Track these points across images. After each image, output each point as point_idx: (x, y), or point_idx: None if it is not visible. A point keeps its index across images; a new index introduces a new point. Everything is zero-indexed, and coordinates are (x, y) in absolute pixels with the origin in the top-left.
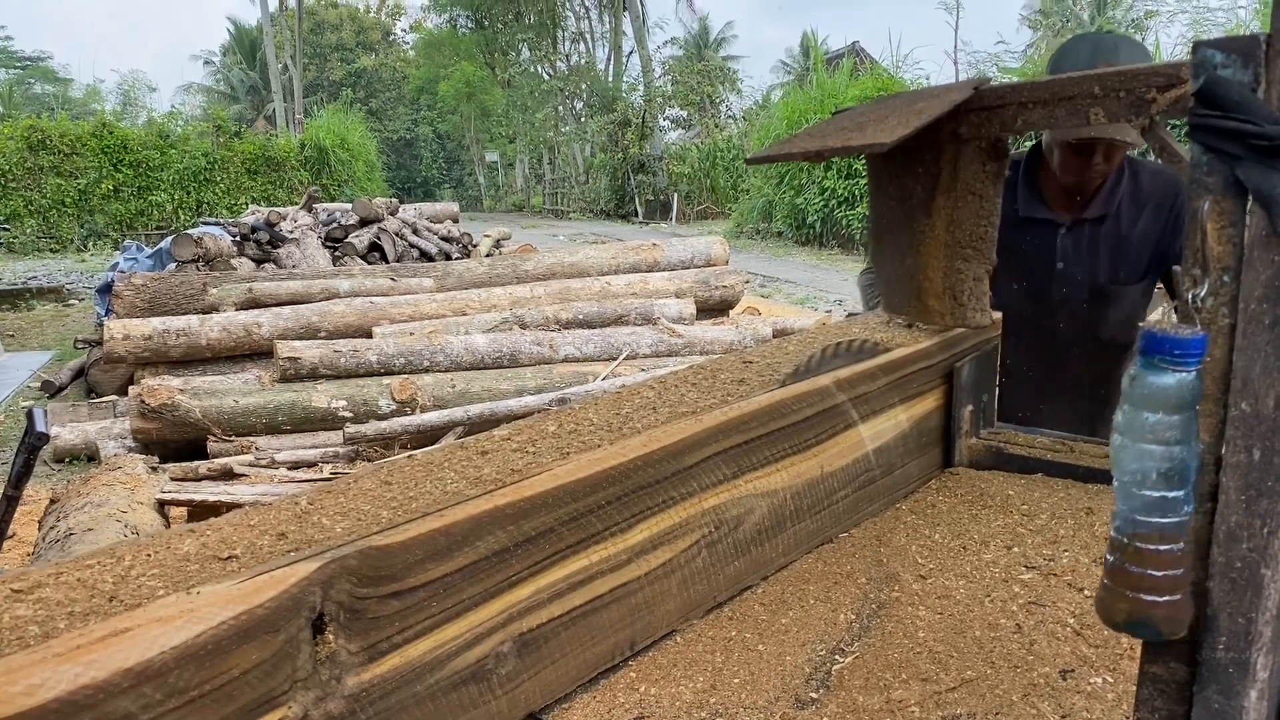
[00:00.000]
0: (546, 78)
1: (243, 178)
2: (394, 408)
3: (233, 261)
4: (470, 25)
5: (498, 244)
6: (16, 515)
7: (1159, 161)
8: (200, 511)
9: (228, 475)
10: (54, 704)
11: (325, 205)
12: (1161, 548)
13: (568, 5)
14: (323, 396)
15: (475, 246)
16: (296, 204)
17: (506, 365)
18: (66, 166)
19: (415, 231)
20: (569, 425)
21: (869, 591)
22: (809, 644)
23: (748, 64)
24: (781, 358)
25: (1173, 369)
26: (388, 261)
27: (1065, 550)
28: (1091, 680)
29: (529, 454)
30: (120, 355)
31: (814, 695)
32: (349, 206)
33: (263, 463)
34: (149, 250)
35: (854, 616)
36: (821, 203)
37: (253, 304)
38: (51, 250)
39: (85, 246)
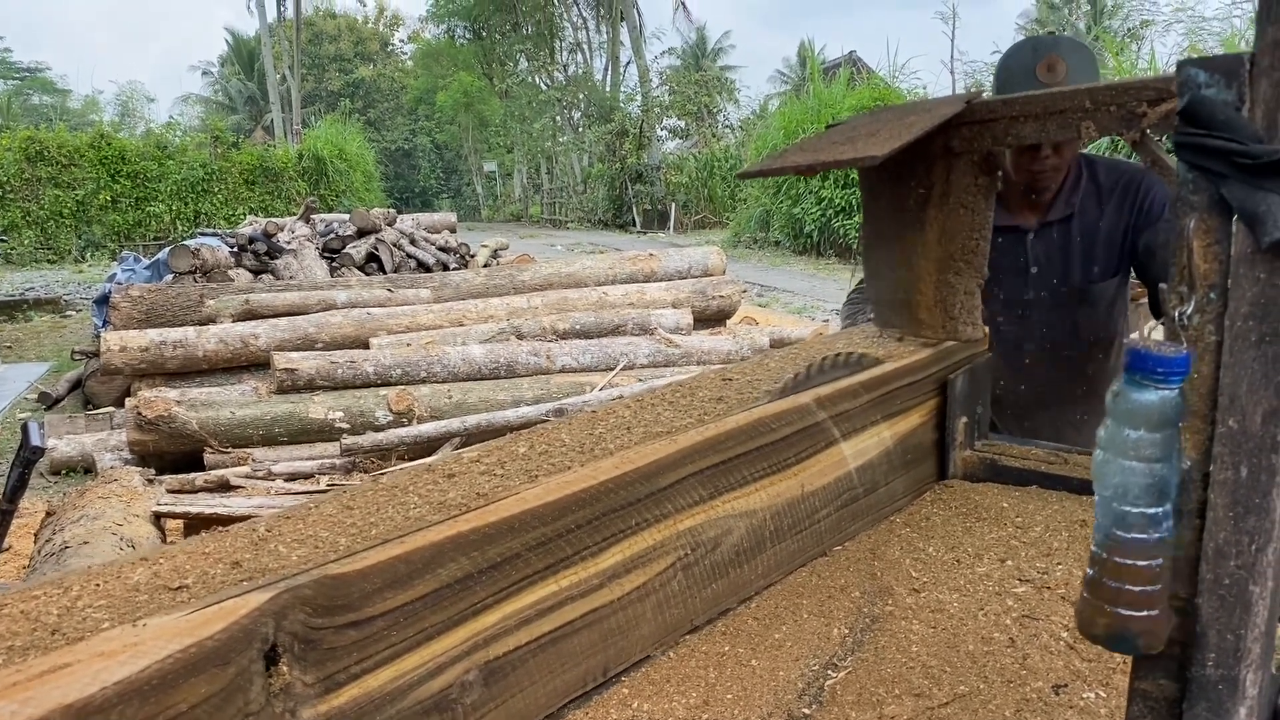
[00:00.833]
0: (544, 88)
1: (240, 188)
2: (391, 419)
3: (230, 273)
4: (468, 36)
5: (495, 254)
6: (12, 528)
7: (1113, 156)
8: (197, 524)
9: (224, 487)
10: None
11: (323, 216)
12: (1140, 563)
13: (565, 16)
14: (320, 408)
15: (473, 257)
16: (294, 215)
17: (503, 376)
18: (64, 177)
19: (413, 242)
20: (540, 446)
21: (862, 605)
22: (802, 659)
23: (745, 74)
24: (763, 374)
25: (1156, 386)
26: (385, 272)
27: (1059, 563)
28: (1084, 695)
29: (497, 477)
30: (117, 367)
31: (807, 711)
32: (346, 217)
33: (259, 474)
34: (146, 261)
35: (847, 631)
36: (819, 212)
37: (250, 315)
38: (49, 261)
39: (83, 257)
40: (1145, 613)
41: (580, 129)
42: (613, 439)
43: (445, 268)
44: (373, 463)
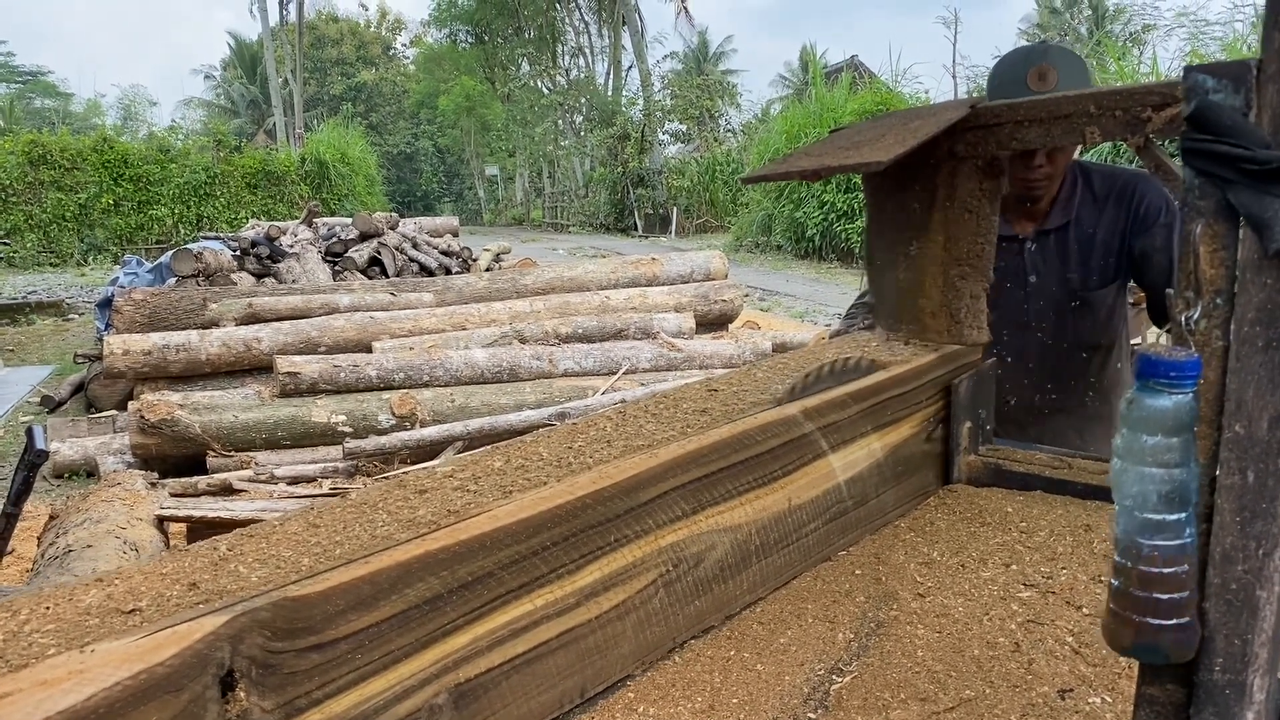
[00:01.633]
0: (546, 92)
1: (243, 192)
2: (393, 423)
3: (233, 276)
4: (470, 40)
5: (497, 258)
6: (16, 532)
7: (1107, 164)
8: (200, 527)
9: (227, 491)
10: None
11: (325, 220)
12: (1166, 570)
13: (567, 20)
14: (322, 411)
15: (475, 261)
16: (296, 218)
17: (506, 380)
18: (67, 181)
19: (415, 246)
20: (516, 461)
21: (867, 610)
22: (807, 663)
23: (747, 78)
24: (749, 385)
25: (1169, 391)
26: (388, 276)
27: (1064, 568)
28: (1090, 700)
29: (470, 492)
30: (120, 370)
31: (812, 715)
32: (349, 221)
33: (262, 478)
34: (149, 265)
35: (852, 635)
36: (821, 216)
37: (253, 319)
38: (51, 265)
39: (85, 261)
40: (1175, 621)
41: (582, 133)
42: (592, 453)
43: (448, 271)
44: (375, 466)
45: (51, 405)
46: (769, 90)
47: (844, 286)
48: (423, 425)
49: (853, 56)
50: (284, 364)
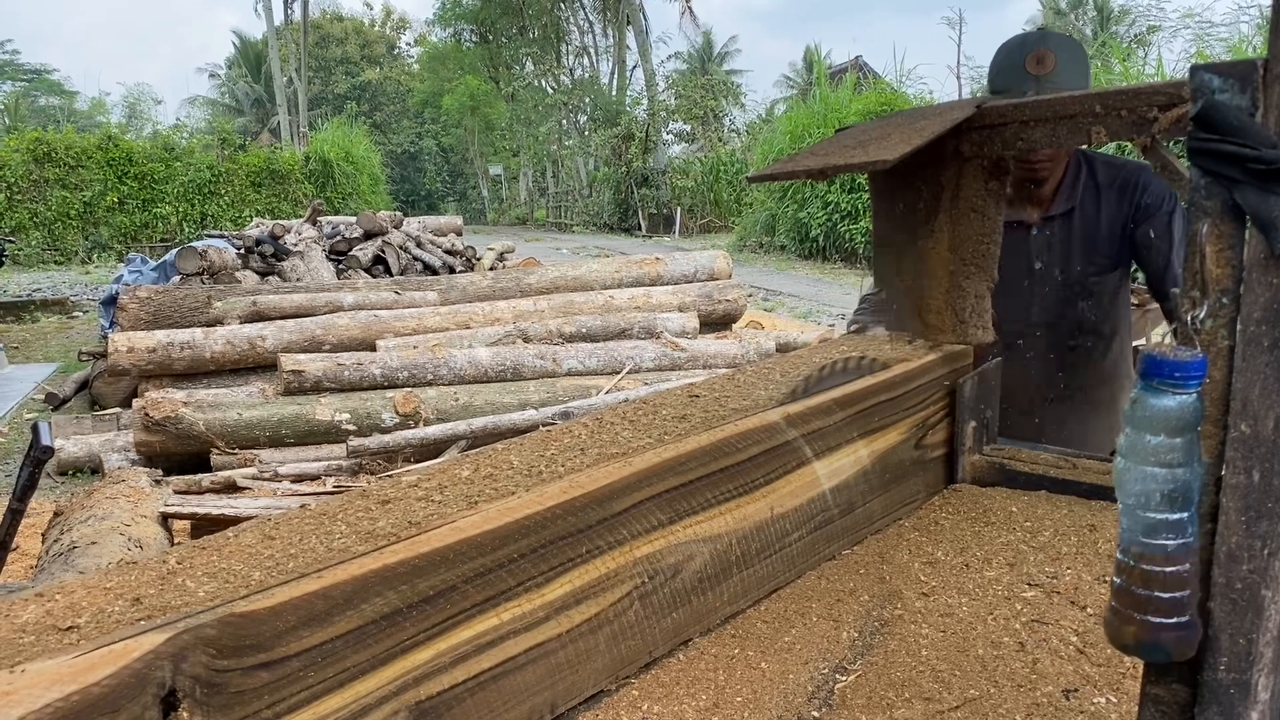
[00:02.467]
0: (550, 91)
1: (247, 191)
2: (397, 421)
3: (237, 274)
4: (474, 39)
5: (501, 257)
6: (21, 528)
7: (1110, 154)
8: (204, 524)
9: (231, 488)
10: None
11: (329, 218)
12: (1168, 569)
13: (572, 19)
14: (326, 409)
15: (479, 260)
16: (301, 217)
17: (510, 379)
18: (72, 179)
19: (419, 245)
20: (485, 470)
21: (871, 609)
22: (811, 662)
23: (751, 78)
24: (732, 391)
25: (1173, 391)
26: (392, 275)
27: (1068, 568)
28: (1095, 700)
29: (434, 503)
30: (124, 368)
31: (816, 714)
32: (353, 219)
33: (266, 476)
34: (153, 263)
35: (856, 634)
36: (825, 216)
37: (257, 317)
38: (56, 262)
39: (90, 259)
40: (1176, 619)
41: (586, 132)
42: (565, 461)
43: (451, 270)
44: (379, 464)
45: (56, 402)
46: (773, 90)
47: (847, 287)
48: (426, 424)
49: (857, 57)
50: (288, 362)
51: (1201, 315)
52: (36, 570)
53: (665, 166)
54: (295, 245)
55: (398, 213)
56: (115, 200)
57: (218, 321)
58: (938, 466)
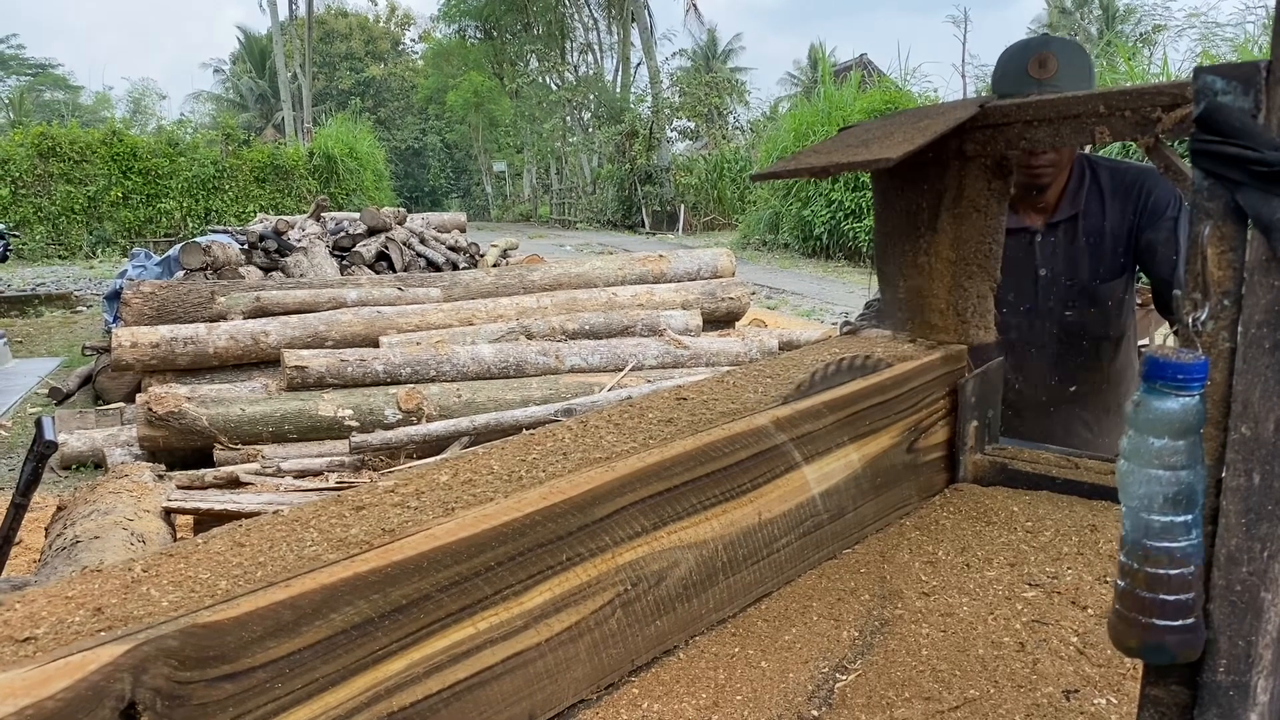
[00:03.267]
0: (554, 88)
1: (251, 186)
2: (400, 417)
3: (241, 270)
4: (479, 36)
5: (505, 254)
6: (24, 522)
7: (1114, 159)
8: (207, 520)
9: (234, 484)
10: None
11: (333, 214)
12: (1172, 572)
13: (576, 16)
14: (329, 405)
15: (482, 256)
16: (304, 213)
17: (513, 375)
18: (76, 173)
19: (423, 241)
20: (464, 474)
21: (872, 608)
22: (812, 661)
23: (755, 76)
24: (720, 393)
25: (1176, 394)
26: (395, 271)
27: (1069, 568)
28: (1095, 701)
29: (410, 509)
30: (128, 363)
31: (816, 713)
32: (357, 215)
33: (269, 471)
34: (157, 258)
35: (857, 633)
36: (828, 215)
37: (260, 312)
38: (60, 257)
39: (94, 253)
40: (1180, 622)
41: (590, 129)
42: (546, 465)
43: (455, 267)
44: (381, 461)
45: (59, 397)
46: (777, 88)
47: (851, 285)
48: (429, 420)
49: (862, 55)
50: (291, 358)
51: (1203, 317)
52: (39, 564)
53: (669, 164)
54: (299, 241)
55: (401, 209)
56: (120, 195)
57: (221, 317)
58: (931, 470)
